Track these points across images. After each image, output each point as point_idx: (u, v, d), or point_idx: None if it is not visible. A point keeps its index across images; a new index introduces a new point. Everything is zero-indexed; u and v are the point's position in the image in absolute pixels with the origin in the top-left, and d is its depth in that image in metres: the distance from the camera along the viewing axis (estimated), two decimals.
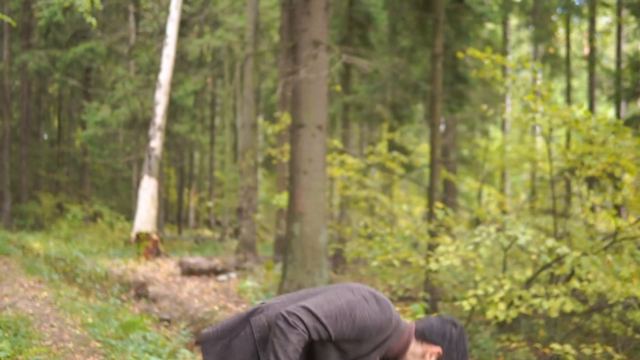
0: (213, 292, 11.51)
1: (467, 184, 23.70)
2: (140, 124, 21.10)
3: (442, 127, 19.15)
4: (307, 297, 2.91)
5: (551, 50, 22.57)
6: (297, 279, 10.25)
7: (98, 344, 6.51)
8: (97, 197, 26.26)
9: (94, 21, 9.25)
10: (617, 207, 12.98)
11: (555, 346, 7.00)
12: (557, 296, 7.42)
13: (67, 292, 9.28)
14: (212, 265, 13.36)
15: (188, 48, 21.78)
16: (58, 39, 23.91)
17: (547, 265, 8.02)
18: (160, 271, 13.19)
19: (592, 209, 10.99)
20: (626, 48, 22.07)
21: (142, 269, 13.12)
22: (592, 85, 19.59)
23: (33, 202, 25.32)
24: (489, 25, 21.13)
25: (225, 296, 11.26)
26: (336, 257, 16.01)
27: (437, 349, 2.96)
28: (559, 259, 7.78)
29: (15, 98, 27.13)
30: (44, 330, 6.81)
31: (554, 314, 7.17)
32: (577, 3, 20.05)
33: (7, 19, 8.53)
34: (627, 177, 10.23)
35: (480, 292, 7.68)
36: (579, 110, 8.61)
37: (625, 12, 19.02)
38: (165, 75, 15.95)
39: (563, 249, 7.37)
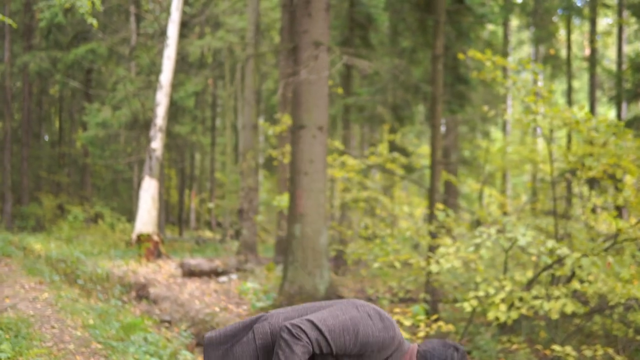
0: (214, 294, 11.51)
1: (468, 185, 23.70)
2: (141, 125, 21.11)
3: (443, 129, 19.16)
4: (312, 310, 2.94)
5: (552, 52, 22.57)
6: (298, 280, 10.25)
7: (99, 346, 6.51)
8: (98, 198, 26.27)
9: (94, 22, 9.26)
10: (618, 209, 12.97)
11: (556, 348, 6.99)
12: (557, 298, 7.42)
13: (68, 293, 9.28)
14: (213, 266, 13.36)
15: (189, 49, 21.80)
16: (59, 40, 23.93)
17: (547, 267, 8.02)
18: (161, 272, 13.19)
19: (593, 211, 10.99)
20: (627, 49, 22.06)
21: (143, 270, 13.13)
22: (593, 86, 19.58)
23: (34, 203, 25.34)
24: (490, 27, 21.14)
25: (226, 297, 11.26)
26: (337, 259, 16.01)
27: None
28: (560, 261, 7.77)
29: (16, 99, 27.16)
30: (45, 331, 6.82)
31: (555, 316, 7.16)
32: (578, 4, 20.06)
33: (8, 20, 8.53)
34: (628, 179, 10.23)
35: (481, 293, 7.67)
36: (580, 112, 8.61)
37: (626, 13, 19.01)
38: (166, 76, 15.97)
39: (563, 250, 7.36)
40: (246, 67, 18.05)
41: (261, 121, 23.40)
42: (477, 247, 8.43)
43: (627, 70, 16.68)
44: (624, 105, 17.91)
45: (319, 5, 10.26)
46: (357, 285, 13.85)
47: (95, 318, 7.77)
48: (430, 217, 10.66)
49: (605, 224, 11.62)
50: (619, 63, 18.51)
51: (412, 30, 14.82)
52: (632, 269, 7.38)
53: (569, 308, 7.10)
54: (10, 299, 8.54)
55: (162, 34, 19.29)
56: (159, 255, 14.98)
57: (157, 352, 6.55)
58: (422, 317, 8.29)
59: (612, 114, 29.11)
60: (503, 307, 7.42)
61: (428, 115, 18.53)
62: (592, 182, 12.96)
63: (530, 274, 8.42)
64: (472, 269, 9.29)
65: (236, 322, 3.07)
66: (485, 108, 12.00)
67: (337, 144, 14.09)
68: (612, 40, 26.40)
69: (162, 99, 15.86)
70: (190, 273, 13.02)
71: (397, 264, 9.44)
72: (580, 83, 31.68)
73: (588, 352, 6.99)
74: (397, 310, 8.66)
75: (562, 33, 23.75)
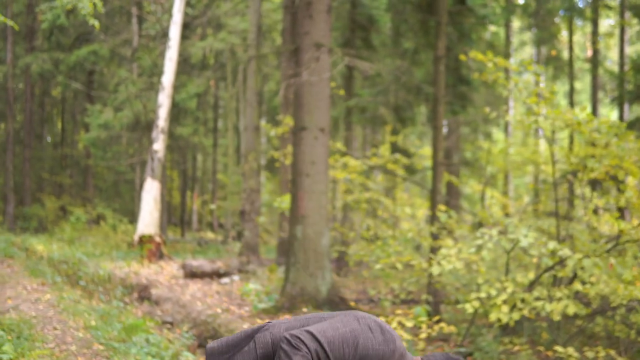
0: (216, 295, 11.52)
1: (470, 186, 23.68)
2: (143, 126, 21.13)
3: (444, 130, 19.16)
4: (313, 321, 2.96)
5: (553, 53, 22.55)
6: (299, 282, 10.25)
7: (101, 347, 6.51)
8: (100, 200, 26.29)
9: (96, 23, 9.27)
10: (621, 210, 12.96)
11: (558, 349, 6.98)
12: (559, 299, 7.41)
13: (70, 294, 9.30)
14: (215, 267, 13.37)
15: (191, 51, 21.81)
16: (61, 41, 23.96)
17: (549, 268, 8.01)
18: (163, 274, 13.20)
19: (595, 212, 10.97)
20: (629, 50, 22.03)
21: (145, 271, 13.14)
22: (595, 87, 19.56)
23: (36, 204, 25.37)
24: (492, 28, 21.12)
25: (228, 299, 11.26)
26: (339, 260, 16.01)
27: None
28: (562, 262, 7.77)
29: (18, 101, 27.20)
30: (47, 332, 6.83)
31: (557, 317, 7.16)
32: (579, 5, 20.04)
33: (10, 22, 8.55)
34: (630, 180, 10.22)
35: (483, 294, 7.67)
36: (582, 113, 8.60)
37: (628, 15, 18.99)
38: (168, 77, 15.98)
39: (565, 251, 7.36)
40: (248, 69, 18.07)
41: (263, 123, 23.42)
42: (479, 248, 8.42)
43: (629, 72, 16.66)
44: (626, 107, 17.88)
45: (320, 6, 10.27)
46: (358, 287, 13.85)
47: (97, 319, 7.78)
48: (432, 219, 10.65)
49: (607, 225, 11.61)
50: (621, 64, 18.49)
51: (414, 31, 14.81)
52: (634, 271, 7.37)
53: (571, 309, 7.10)
54: (13, 300, 8.55)
55: (164, 35, 19.31)
56: (161, 256, 14.99)
57: (159, 353, 6.56)
58: (423, 318, 8.29)
59: (614, 115, 29.08)
60: (505, 308, 7.41)
61: (430, 117, 18.52)
62: (594, 184, 12.94)
63: (532, 275, 8.42)
64: (474, 270, 9.29)
65: (238, 331, 3.10)
66: (487, 109, 11.98)
67: (339, 145, 14.10)
68: (614, 41, 26.38)
69: (164, 100, 15.88)
70: (192, 274, 13.03)
71: (399, 266, 9.44)
72: (583, 84, 31.67)
73: (590, 354, 6.99)
74: (398, 311, 8.65)
75: (564, 34, 23.73)
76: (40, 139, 29.70)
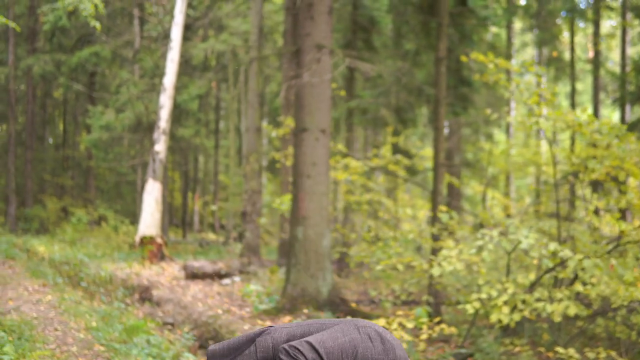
0: (217, 296, 11.52)
1: (471, 187, 23.69)
2: (144, 127, 21.15)
3: (446, 131, 19.16)
4: (315, 327, 2.96)
5: (555, 54, 22.54)
6: (300, 283, 10.25)
7: (102, 348, 6.52)
8: (101, 201, 26.31)
9: (97, 25, 9.30)
10: (622, 211, 12.95)
11: (559, 350, 6.98)
12: (560, 300, 7.41)
13: (71, 295, 9.31)
14: (216, 269, 13.37)
15: (192, 52, 21.83)
16: (63, 43, 23.99)
17: (550, 269, 8.01)
18: (164, 275, 13.21)
19: (596, 213, 10.97)
20: (631, 51, 22.02)
21: (147, 272, 13.15)
22: (596, 88, 19.56)
23: (38, 206, 25.39)
24: (493, 29, 21.13)
25: (229, 300, 11.27)
26: (340, 261, 16.01)
27: None
28: (563, 263, 7.77)
29: (20, 102, 27.23)
30: (48, 333, 6.84)
31: (557, 318, 7.15)
32: (581, 6, 20.04)
33: (11, 23, 8.57)
34: (632, 181, 10.22)
35: (483, 295, 7.67)
36: (583, 114, 8.60)
37: (629, 16, 18.99)
38: (169, 79, 16.00)
39: (566, 252, 7.36)
40: (249, 70, 18.08)
41: (264, 124, 23.41)
42: (480, 249, 8.42)
43: (630, 73, 16.67)
44: (627, 108, 17.88)
45: (321, 8, 10.28)
46: (359, 288, 13.85)
47: (98, 320, 7.79)
48: (433, 220, 10.65)
49: (608, 226, 11.61)
50: (623, 65, 18.49)
51: (415, 32, 14.82)
52: (635, 272, 7.37)
53: (572, 310, 7.10)
54: (14, 301, 8.57)
55: (166, 36, 19.33)
56: (162, 257, 14.99)
57: (160, 354, 6.56)
58: (424, 319, 8.29)
59: (616, 116, 29.07)
60: (506, 309, 7.41)
61: (431, 118, 18.52)
62: (595, 185, 12.94)
63: (532, 276, 8.42)
64: (474, 271, 9.29)
65: (240, 334, 3.11)
66: (488, 111, 11.99)
67: (340, 146, 14.10)
68: (616, 42, 26.38)
69: (165, 101, 15.89)
70: (194, 275, 13.03)
71: (400, 267, 9.44)
72: (584, 85, 31.65)
73: (591, 355, 6.99)
74: (399, 312, 8.65)
75: (565, 35, 23.73)
76: (42, 140, 29.73)
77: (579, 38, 27.71)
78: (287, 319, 9.59)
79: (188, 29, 21.34)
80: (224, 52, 22.47)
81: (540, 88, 9.30)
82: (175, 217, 33.15)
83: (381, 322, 7.63)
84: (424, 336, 7.90)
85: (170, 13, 19.57)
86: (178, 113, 22.38)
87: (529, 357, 7.43)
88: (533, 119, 9.06)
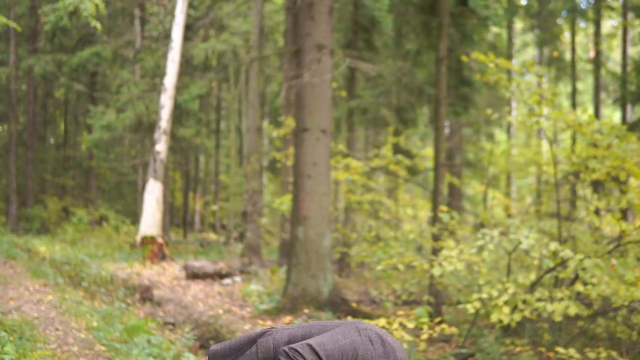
0: (218, 296, 11.53)
1: (472, 187, 23.68)
2: (145, 127, 21.16)
3: (447, 131, 19.16)
4: (316, 329, 2.97)
5: (555, 54, 22.54)
6: (301, 283, 10.26)
7: (102, 348, 6.53)
8: (102, 201, 26.33)
9: (98, 25, 9.31)
10: (623, 211, 12.94)
11: (560, 350, 6.98)
12: (561, 299, 7.41)
13: (72, 295, 9.32)
14: (217, 268, 13.38)
15: (193, 52, 21.83)
16: (64, 43, 24.01)
17: (551, 269, 8.01)
18: (165, 275, 13.22)
19: (597, 213, 10.97)
20: (631, 51, 22.02)
21: (147, 272, 13.16)
22: (597, 88, 19.55)
23: (39, 206, 25.41)
24: (494, 29, 21.13)
25: (230, 300, 11.27)
26: (341, 261, 16.01)
27: None
28: (563, 263, 7.77)
29: (21, 102, 27.25)
30: (49, 333, 6.84)
31: (558, 318, 7.15)
32: (582, 6, 20.03)
33: (12, 24, 8.58)
34: (632, 181, 10.22)
35: (484, 295, 7.67)
36: (583, 114, 8.60)
37: (630, 15, 18.99)
38: (170, 79, 16.01)
39: (566, 252, 7.36)
40: (250, 70, 18.09)
41: (265, 124, 23.43)
42: (480, 249, 8.43)
43: (631, 72, 16.66)
44: (628, 107, 17.89)
45: (322, 8, 10.28)
46: (360, 288, 13.86)
47: (99, 320, 7.80)
48: (434, 220, 10.66)
49: (609, 226, 11.60)
50: (624, 65, 18.48)
51: (416, 32, 14.81)
52: (636, 272, 7.37)
53: (572, 310, 7.10)
54: (15, 301, 8.57)
55: (167, 36, 19.34)
56: (163, 257, 15.00)
57: (161, 354, 6.57)
58: (425, 319, 8.29)
59: (617, 116, 29.07)
60: (506, 309, 7.41)
61: (432, 118, 18.52)
62: (596, 185, 12.94)
63: (533, 276, 8.42)
64: (475, 271, 9.29)
65: (242, 335, 3.12)
66: (489, 111, 11.98)
67: (341, 146, 14.11)
68: (617, 42, 26.38)
69: (166, 101, 15.90)
70: (194, 275, 13.04)
71: (401, 267, 9.44)
72: (585, 85, 31.64)
73: (592, 355, 6.98)
74: (400, 312, 8.65)
75: (566, 35, 23.73)
76: (43, 140, 29.76)
77: (579, 38, 27.71)
78: (287, 319, 9.59)
79: (189, 29, 21.35)
80: (225, 52, 22.48)
81: (541, 88, 9.30)
82: (176, 217, 33.17)
83: (382, 322, 7.63)
84: (424, 336, 7.90)
85: (171, 13, 19.58)
86: (179, 113, 22.39)
87: (529, 357, 7.43)
88: (534, 119, 9.06)
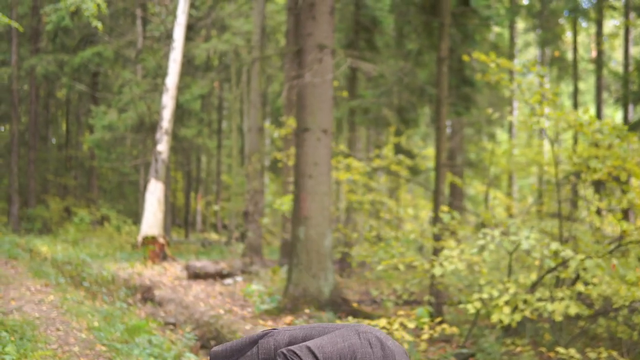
0: (219, 296, 11.53)
1: (474, 187, 23.66)
2: (147, 127, 21.17)
3: (448, 131, 19.14)
4: (317, 331, 2.98)
5: (557, 53, 22.52)
6: (302, 283, 10.26)
7: (103, 348, 6.54)
8: (104, 201, 26.36)
9: (99, 25, 9.32)
10: (625, 211, 12.93)
11: (561, 350, 6.98)
12: (562, 299, 7.40)
13: (73, 295, 9.33)
14: (219, 268, 13.39)
15: (195, 52, 21.85)
16: (66, 43, 24.03)
17: (552, 269, 8.01)
18: (166, 275, 13.23)
19: (598, 213, 10.96)
20: (633, 51, 22.00)
21: (149, 272, 13.17)
22: (599, 88, 19.54)
23: (41, 206, 25.44)
24: (496, 29, 21.11)
25: (231, 300, 11.28)
26: (342, 261, 16.02)
27: None
28: (564, 263, 7.76)
29: (23, 102, 27.28)
30: (50, 333, 6.85)
31: (558, 317, 7.15)
32: (584, 6, 20.01)
33: (14, 24, 8.59)
34: (634, 181, 10.20)
35: (485, 295, 7.66)
36: (585, 114, 8.60)
37: (632, 15, 18.98)
38: (172, 79, 16.02)
39: (567, 252, 7.35)
40: (252, 70, 18.09)
41: (267, 124, 23.46)
42: (481, 249, 8.42)
43: (633, 72, 16.66)
44: (630, 107, 17.88)
45: (323, 8, 10.28)
46: (361, 288, 13.85)
47: (100, 320, 7.81)
48: (435, 220, 10.65)
49: (610, 226, 11.59)
50: (626, 65, 18.47)
51: (418, 32, 14.80)
52: (637, 272, 7.36)
53: (573, 310, 7.09)
54: (16, 301, 8.59)
55: (168, 37, 19.35)
56: (164, 257, 15.01)
57: (162, 354, 6.58)
58: (426, 319, 8.29)
59: (618, 116, 29.03)
60: (507, 309, 7.41)
61: (433, 118, 18.51)
62: (598, 185, 12.94)
63: (534, 276, 8.41)
64: (476, 271, 9.28)
65: (243, 336, 3.14)
66: (490, 110, 11.97)
67: (343, 146, 14.10)
68: (619, 42, 26.35)
69: (168, 101, 15.91)
70: (196, 275, 13.05)
71: (402, 267, 9.44)
72: (587, 85, 31.61)
73: (592, 355, 6.98)
74: (401, 312, 8.65)
75: (568, 35, 23.72)
76: (45, 140, 29.79)
77: (581, 38, 27.68)
78: (288, 319, 9.60)
79: (190, 29, 21.37)
80: (227, 52, 22.49)
81: (542, 88, 9.30)
82: (178, 217, 33.19)
83: (383, 322, 7.63)
84: (425, 336, 7.90)
85: (172, 13, 19.59)
86: (180, 113, 22.41)
87: (530, 357, 7.43)
88: (535, 119, 9.06)
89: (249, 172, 17.70)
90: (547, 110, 9.09)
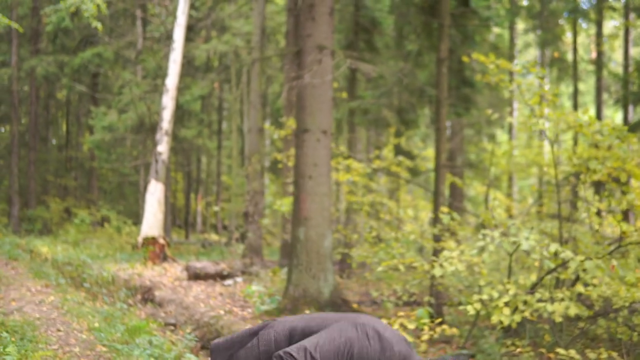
0: (219, 297, 11.54)
1: (474, 188, 23.68)
2: (147, 128, 21.18)
3: (448, 132, 19.15)
4: (317, 320, 3.00)
5: (556, 54, 22.53)
6: (302, 284, 10.27)
7: (104, 348, 6.55)
8: (104, 202, 26.37)
9: (99, 25, 9.34)
10: (625, 212, 12.94)
11: (560, 351, 6.98)
12: (561, 300, 7.41)
13: (73, 296, 9.34)
14: (219, 269, 13.39)
15: (195, 53, 21.87)
16: (66, 44, 24.06)
17: (551, 270, 8.01)
18: (166, 275, 13.23)
19: (598, 214, 10.96)
20: (633, 52, 22.02)
21: (149, 273, 13.17)
22: (599, 89, 19.55)
23: (41, 207, 25.45)
24: (496, 30, 21.12)
25: (231, 300, 11.28)
26: (342, 262, 16.02)
27: None
28: (564, 264, 7.77)
29: (23, 103, 27.30)
30: (51, 334, 6.86)
31: (558, 318, 7.15)
32: (584, 7, 20.02)
33: (14, 25, 8.60)
34: (634, 182, 10.21)
35: (485, 296, 7.66)
36: (584, 115, 8.60)
37: (632, 16, 18.99)
38: (172, 80, 16.03)
39: (567, 253, 7.36)
40: (252, 71, 18.11)
41: (267, 124, 23.49)
42: (481, 250, 8.42)
43: (633, 73, 16.67)
44: (630, 108, 17.89)
45: (322, 9, 10.29)
46: (361, 289, 13.86)
47: (101, 321, 7.82)
48: (435, 221, 10.65)
49: (610, 227, 11.60)
50: (626, 66, 18.49)
51: (417, 33, 14.81)
52: (637, 273, 7.37)
53: (572, 310, 7.09)
54: (17, 302, 8.60)
55: (168, 37, 19.37)
56: (164, 258, 15.02)
57: (162, 355, 6.58)
58: (426, 320, 8.29)
59: (618, 116, 29.05)
60: (507, 310, 7.41)
61: (433, 119, 18.51)
62: (598, 186, 12.95)
63: (534, 277, 8.41)
64: (476, 272, 9.29)
65: (244, 329, 3.16)
66: (490, 111, 11.97)
67: (343, 147, 14.11)
68: (619, 43, 26.34)
69: (168, 102, 15.92)
70: (196, 276, 13.05)
71: (402, 268, 9.44)
72: (587, 86, 31.63)
73: (592, 356, 6.98)
74: (401, 313, 8.65)
75: (568, 36, 23.73)
76: (45, 141, 29.81)
77: (581, 38, 27.68)
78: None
79: (190, 30, 21.38)
80: (227, 53, 22.51)
81: (542, 89, 9.30)
82: (178, 217, 33.20)
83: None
84: (425, 337, 7.91)
85: (172, 14, 19.61)
86: (180, 114, 22.43)
87: (530, 358, 7.44)
88: (535, 120, 9.06)
89: (249, 173, 17.71)
90: (547, 111, 9.10)
